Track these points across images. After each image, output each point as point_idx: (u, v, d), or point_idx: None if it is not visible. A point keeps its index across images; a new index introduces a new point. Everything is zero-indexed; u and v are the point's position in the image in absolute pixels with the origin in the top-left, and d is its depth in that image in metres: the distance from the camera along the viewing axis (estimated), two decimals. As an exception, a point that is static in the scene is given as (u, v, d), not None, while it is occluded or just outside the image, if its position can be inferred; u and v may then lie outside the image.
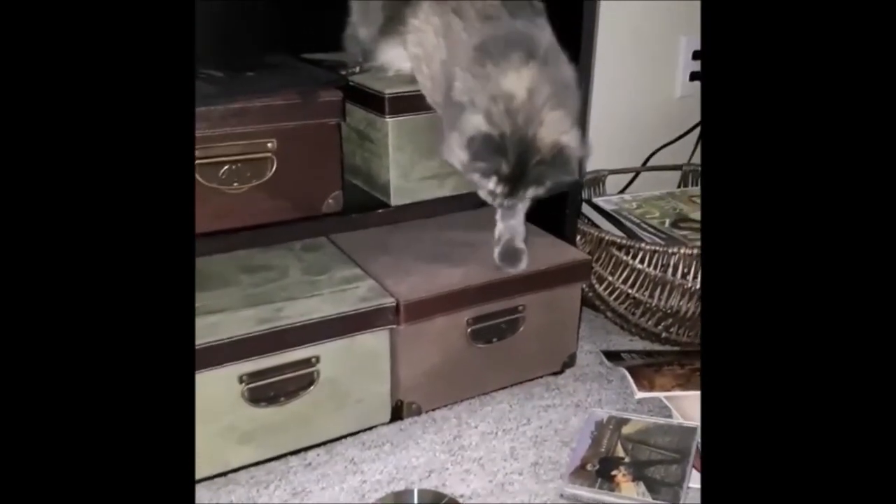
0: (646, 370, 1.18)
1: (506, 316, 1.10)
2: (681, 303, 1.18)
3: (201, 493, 0.92)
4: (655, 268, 1.17)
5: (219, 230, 0.94)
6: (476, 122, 0.91)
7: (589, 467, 0.96)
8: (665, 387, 1.13)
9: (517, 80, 0.92)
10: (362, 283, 1.04)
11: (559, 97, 0.94)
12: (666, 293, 1.18)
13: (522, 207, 1.06)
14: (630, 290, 1.21)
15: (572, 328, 1.19)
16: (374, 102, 1.03)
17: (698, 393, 1.09)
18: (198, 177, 0.91)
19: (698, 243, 1.19)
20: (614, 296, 1.24)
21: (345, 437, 1.02)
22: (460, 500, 0.91)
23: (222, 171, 0.93)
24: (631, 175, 1.60)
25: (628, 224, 1.29)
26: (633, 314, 1.25)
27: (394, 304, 1.00)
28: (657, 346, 1.28)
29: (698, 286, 1.15)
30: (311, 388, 0.98)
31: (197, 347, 0.87)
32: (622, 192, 1.54)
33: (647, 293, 1.20)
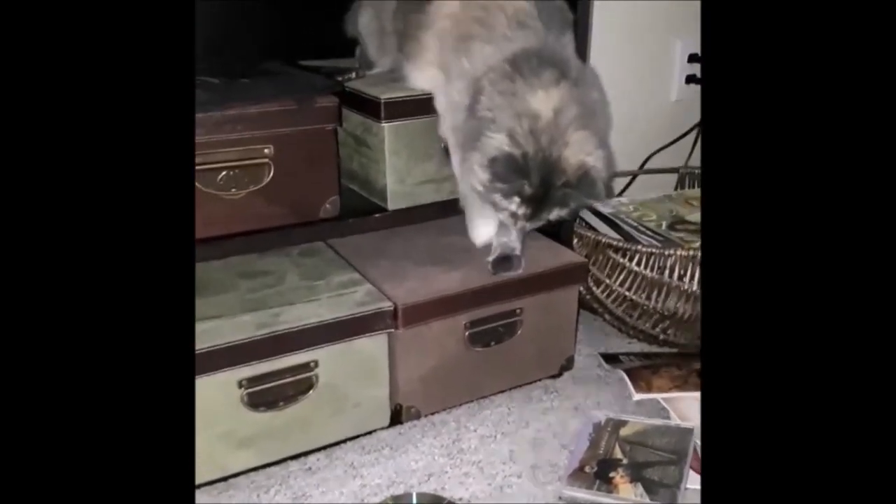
0: (643, 372, 1.18)
1: (503, 319, 1.10)
2: (678, 305, 1.18)
3: (201, 497, 0.92)
4: (652, 270, 1.17)
5: (216, 236, 0.95)
6: (498, 142, 0.89)
7: (587, 469, 0.96)
8: (662, 388, 1.13)
9: (545, 100, 0.90)
10: (360, 288, 1.04)
11: (585, 118, 0.92)
12: (663, 295, 1.19)
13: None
14: (627, 293, 1.21)
15: (570, 331, 1.19)
16: (370, 107, 1.04)
17: (695, 394, 1.10)
18: (196, 183, 0.91)
19: (695, 245, 1.19)
20: (611, 298, 1.25)
21: (344, 441, 1.03)
22: None
23: (220, 176, 0.93)
24: (628, 178, 1.61)
25: (625, 227, 1.30)
26: (631, 316, 1.25)
27: (392, 309, 1.00)
28: (655, 348, 1.28)
29: (695, 288, 1.16)
30: (310, 392, 0.98)
31: (196, 352, 0.87)
32: (619, 195, 1.55)
33: (644, 295, 1.20)
